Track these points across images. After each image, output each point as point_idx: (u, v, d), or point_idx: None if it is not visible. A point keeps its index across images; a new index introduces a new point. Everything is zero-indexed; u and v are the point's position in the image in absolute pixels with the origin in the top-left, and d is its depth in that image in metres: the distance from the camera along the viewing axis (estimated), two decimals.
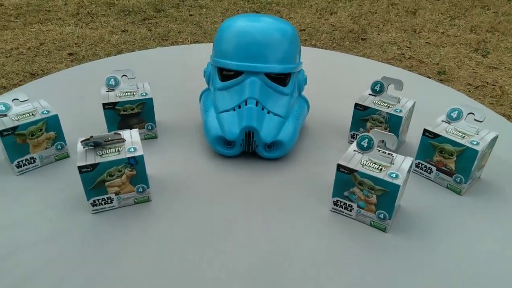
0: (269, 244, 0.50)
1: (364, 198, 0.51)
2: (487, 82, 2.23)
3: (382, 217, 0.51)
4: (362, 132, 0.68)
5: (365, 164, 0.50)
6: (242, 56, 0.61)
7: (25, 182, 0.59)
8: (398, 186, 0.48)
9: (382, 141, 0.52)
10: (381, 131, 0.51)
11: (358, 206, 0.52)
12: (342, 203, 0.53)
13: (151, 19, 2.91)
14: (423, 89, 0.87)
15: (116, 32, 2.70)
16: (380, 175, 0.49)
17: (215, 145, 0.63)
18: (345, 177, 0.51)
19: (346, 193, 0.52)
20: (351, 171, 0.50)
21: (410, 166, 0.51)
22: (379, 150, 0.52)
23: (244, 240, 0.51)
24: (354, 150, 0.53)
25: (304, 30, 2.80)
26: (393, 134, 0.51)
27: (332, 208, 0.55)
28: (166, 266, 0.47)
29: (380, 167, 0.50)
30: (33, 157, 0.60)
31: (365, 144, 0.52)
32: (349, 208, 0.53)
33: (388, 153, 0.52)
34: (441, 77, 2.27)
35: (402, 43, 2.65)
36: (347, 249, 0.50)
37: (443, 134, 0.57)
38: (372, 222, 0.52)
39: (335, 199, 0.54)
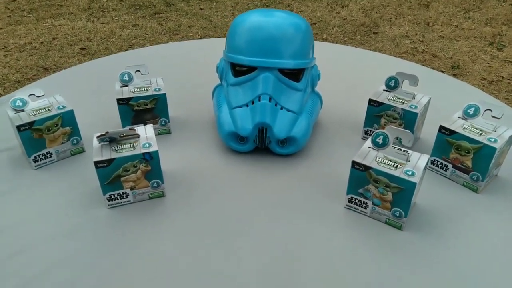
0: (282, 241, 0.50)
1: (379, 196, 0.51)
2: (503, 77, 2.18)
3: (397, 215, 0.50)
4: (376, 129, 0.67)
5: (380, 161, 0.50)
6: (256, 51, 0.61)
7: (42, 176, 0.60)
8: (414, 184, 0.47)
9: (398, 138, 0.51)
10: (397, 127, 0.51)
11: (373, 204, 0.52)
12: (356, 200, 0.53)
13: (161, 13, 2.92)
14: (437, 84, 0.85)
15: (127, 27, 2.72)
16: (396, 173, 0.48)
17: (228, 141, 0.63)
18: (360, 174, 0.51)
19: (361, 190, 0.52)
20: (366, 168, 0.50)
21: (426, 164, 0.50)
22: (394, 147, 0.51)
23: (257, 237, 0.51)
24: (369, 147, 0.52)
25: (315, 23, 2.78)
26: (409, 131, 0.50)
27: (347, 205, 0.54)
28: (179, 261, 0.48)
29: (396, 164, 0.50)
30: (49, 151, 0.61)
31: (380, 141, 0.51)
32: (364, 205, 0.53)
33: (404, 150, 0.51)
34: (454, 71, 2.23)
35: (415, 36, 2.61)
36: (361, 247, 0.49)
37: (460, 131, 0.56)
38: (387, 220, 0.52)
39: (349, 196, 0.53)
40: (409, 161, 0.50)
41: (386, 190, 0.50)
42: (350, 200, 0.54)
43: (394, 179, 0.48)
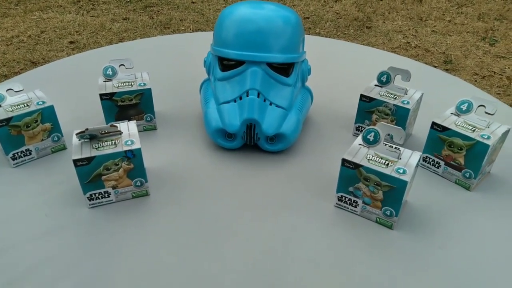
0: (271, 240, 0.49)
1: (369, 194, 0.49)
2: (494, 72, 2.19)
3: (388, 213, 0.49)
4: (368, 125, 0.66)
5: (371, 159, 0.49)
6: (243, 44, 0.59)
7: (21, 174, 0.57)
8: (405, 182, 0.46)
9: (389, 134, 0.50)
10: (388, 124, 0.49)
11: (364, 202, 0.50)
12: (346, 199, 0.52)
13: (152, 6, 2.87)
14: (430, 80, 0.84)
15: (118, 20, 2.67)
16: (387, 171, 0.47)
17: (215, 137, 0.61)
18: (350, 172, 0.49)
19: (351, 189, 0.51)
20: (357, 166, 0.48)
21: (418, 161, 0.49)
22: (385, 144, 0.50)
23: (245, 236, 0.49)
24: (360, 144, 0.51)
25: (308, 18, 2.76)
26: (400, 127, 0.48)
27: (336, 203, 0.53)
28: (164, 262, 0.46)
29: (387, 162, 0.48)
30: (29, 149, 0.59)
31: (371, 138, 0.50)
32: (354, 204, 0.51)
33: (395, 147, 0.50)
34: (447, 66, 2.23)
35: (408, 31, 2.60)
36: (351, 246, 0.48)
37: (452, 127, 0.55)
38: (378, 219, 0.50)
39: (339, 194, 0.52)
40: (400, 158, 0.49)
41: (377, 189, 0.48)
42: (340, 199, 0.52)
43: (385, 177, 0.47)
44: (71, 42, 2.40)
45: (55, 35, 2.47)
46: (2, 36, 2.43)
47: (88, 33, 2.50)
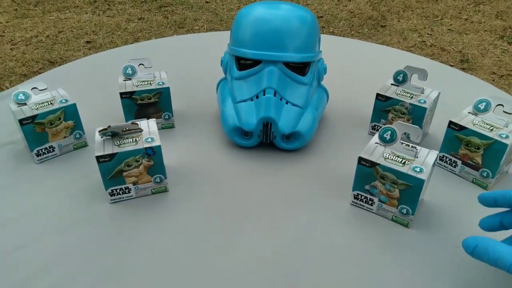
0: (286, 238, 0.49)
1: (386, 192, 0.50)
2: None
3: (404, 212, 0.49)
4: (384, 124, 0.66)
5: (388, 158, 0.49)
6: (260, 44, 0.60)
7: (45, 170, 0.59)
8: (422, 181, 0.46)
9: (406, 133, 0.50)
10: (405, 123, 0.49)
11: (380, 201, 0.51)
12: (363, 197, 0.52)
13: (167, 6, 2.90)
14: (446, 79, 0.84)
15: (133, 20, 2.71)
16: (404, 169, 0.47)
17: (232, 135, 0.62)
18: (367, 170, 0.50)
19: (367, 187, 0.51)
20: (373, 164, 0.49)
21: (435, 160, 0.49)
22: (402, 143, 0.50)
23: (261, 232, 0.50)
24: (376, 143, 0.51)
25: (321, 17, 2.75)
26: (417, 126, 0.49)
27: (352, 201, 0.53)
28: (181, 257, 0.47)
29: (404, 160, 0.48)
30: (52, 145, 0.61)
31: (388, 137, 0.50)
32: (370, 202, 0.52)
33: (412, 146, 0.50)
34: (464, 65, 2.20)
35: (423, 30, 2.57)
36: (367, 244, 0.48)
37: (470, 126, 0.55)
38: (394, 217, 0.51)
39: (355, 192, 0.52)
40: (417, 157, 0.49)
41: (393, 187, 0.48)
42: (356, 197, 0.53)
43: (402, 175, 0.47)
44: (87, 42, 2.44)
45: (72, 35, 2.52)
46: (21, 36, 2.49)
47: (104, 33, 2.54)
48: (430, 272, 0.45)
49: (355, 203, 0.53)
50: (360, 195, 0.52)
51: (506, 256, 0.35)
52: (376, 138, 0.52)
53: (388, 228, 0.50)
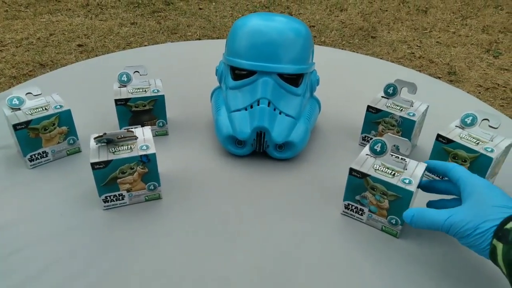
0: (278, 246, 0.50)
1: (376, 203, 0.51)
2: (498, 84, 2.20)
3: (393, 222, 0.51)
4: (374, 135, 0.67)
5: (378, 169, 0.50)
6: (256, 55, 0.61)
7: (38, 176, 0.59)
8: (411, 193, 0.47)
9: (395, 145, 0.51)
10: (395, 136, 0.51)
11: (370, 211, 0.52)
12: (353, 207, 0.53)
13: (160, 12, 2.91)
14: (434, 92, 0.86)
15: (126, 25, 2.70)
16: (393, 181, 0.48)
17: (226, 144, 0.63)
18: (357, 181, 0.51)
19: (357, 197, 0.52)
20: (364, 175, 0.50)
21: (423, 172, 0.51)
22: (392, 155, 0.51)
23: (253, 241, 0.51)
24: (367, 154, 0.53)
25: (313, 26, 2.79)
26: (407, 139, 0.50)
27: (343, 211, 0.54)
28: (175, 263, 0.47)
29: (393, 172, 0.50)
30: (45, 151, 0.61)
31: (379, 149, 0.51)
32: (360, 212, 0.53)
33: (402, 158, 0.51)
34: (451, 77, 2.25)
35: (413, 42, 2.63)
36: (357, 253, 0.50)
37: (457, 140, 0.56)
38: (383, 227, 0.52)
39: (346, 202, 0.54)
40: (406, 169, 0.50)
41: (383, 198, 0.50)
42: (346, 207, 0.54)
43: (392, 187, 0.49)
44: (79, 45, 2.43)
45: (64, 38, 2.50)
46: (12, 38, 2.47)
47: (96, 37, 2.53)
48: (419, 281, 0.46)
49: (346, 212, 0.54)
50: (350, 205, 0.53)
51: (437, 218, 0.44)
52: (366, 149, 0.53)
53: (377, 237, 0.52)
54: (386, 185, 0.49)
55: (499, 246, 0.40)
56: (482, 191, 0.44)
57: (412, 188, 0.48)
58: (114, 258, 0.48)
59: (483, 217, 0.41)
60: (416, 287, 0.46)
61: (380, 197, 0.50)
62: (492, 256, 0.41)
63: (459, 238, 0.43)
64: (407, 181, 0.48)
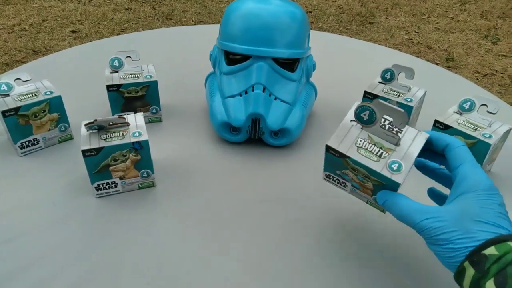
0: (274, 232, 0.50)
1: (358, 182, 0.43)
2: (496, 70, 2.19)
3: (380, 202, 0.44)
4: None
5: (361, 146, 0.41)
6: (250, 39, 0.60)
7: (29, 163, 0.58)
8: (398, 184, 0.39)
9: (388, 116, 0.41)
10: (389, 104, 0.40)
11: (353, 186, 0.46)
12: (334, 178, 0.46)
13: None
14: (432, 77, 0.85)
15: (120, 10, 2.66)
16: (378, 166, 0.39)
17: (220, 131, 0.61)
18: (336, 159, 0.42)
19: (338, 172, 0.45)
20: (342, 156, 0.41)
21: (422, 146, 0.40)
22: (383, 126, 0.41)
23: (248, 228, 0.50)
24: (352, 120, 0.43)
25: (310, 12, 2.75)
26: (403, 110, 0.39)
27: (324, 178, 0.47)
28: (169, 252, 0.47)
29: (380, 151, 0.40)
30: (36, 138, 0.59)
31: (366, 117, 0.41)
32: (343, 184, 0.47)
33: (395, 131, 0.40)
34: (449, 63, 2.23)
35: (411, 27, 2.60)
36: (352, 239, 0.49)
37: (455, 125, 0.56)
38: (369, 202, 0.46)
39: (327, 173, 0.46)
40: (399, 144, 0.40)
41: (366, 180, 0.42)
42: (328, 176, 0.47)
43: (375, 174, 0.40)
44: (73, 32, 2.39)
45: (57, 24, 2.46)
46: (3, 24, 2.42)
47: (90, 23, 2.49)
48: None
49: (327, 180, 0.47)
50: (331, 176, 0.46)
51: (410, 216, 0.37)
52: (351, 114, 0.43)
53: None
54: (369, 171, 0.40)
55: (470, 272, 0.33)
56: (477, 198, 0.36)
57: (400, 178, 0.38)
58: (108, 247, 0.47)
59: (463, 232, 0.34)
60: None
61: (362, 178, 0.42)
62: (458, 277, 0.35)
63: (428, 243, 0.37)
64: (395, 166, 0.39)
